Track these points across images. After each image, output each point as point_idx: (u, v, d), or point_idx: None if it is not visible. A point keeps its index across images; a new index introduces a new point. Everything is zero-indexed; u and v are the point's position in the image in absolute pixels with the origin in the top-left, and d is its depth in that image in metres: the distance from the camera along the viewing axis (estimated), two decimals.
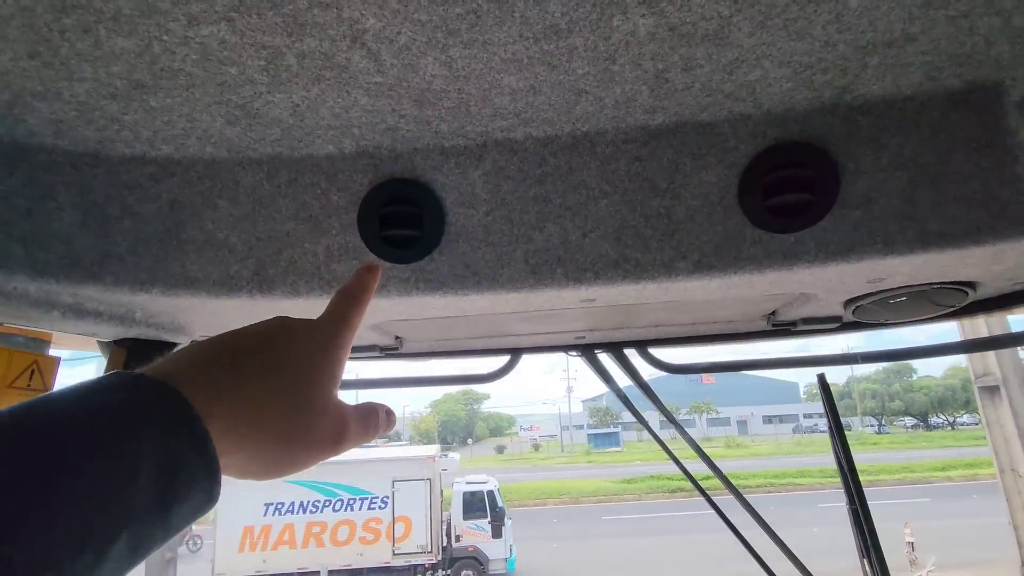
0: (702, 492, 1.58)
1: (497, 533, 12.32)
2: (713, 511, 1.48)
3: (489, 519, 12.40)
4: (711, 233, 0.81)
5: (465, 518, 12.52)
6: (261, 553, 11.54)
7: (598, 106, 0.76)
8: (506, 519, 12.54)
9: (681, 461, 1.55)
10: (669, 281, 0.83)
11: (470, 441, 56.86)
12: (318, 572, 11.69)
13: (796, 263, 0.80)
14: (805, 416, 57.62)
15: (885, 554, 1.21)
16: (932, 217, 0.76)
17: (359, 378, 1.56)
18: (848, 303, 1.06)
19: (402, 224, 0.83)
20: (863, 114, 0.77)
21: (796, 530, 15.20)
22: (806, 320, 1.20)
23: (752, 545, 1.43)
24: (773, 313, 1.22)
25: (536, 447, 53.70)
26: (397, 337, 1.28)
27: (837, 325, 1.22)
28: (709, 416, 53.91)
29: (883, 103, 0.76)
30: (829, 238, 0.78)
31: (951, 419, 47.95)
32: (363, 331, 1.15)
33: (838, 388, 55.97)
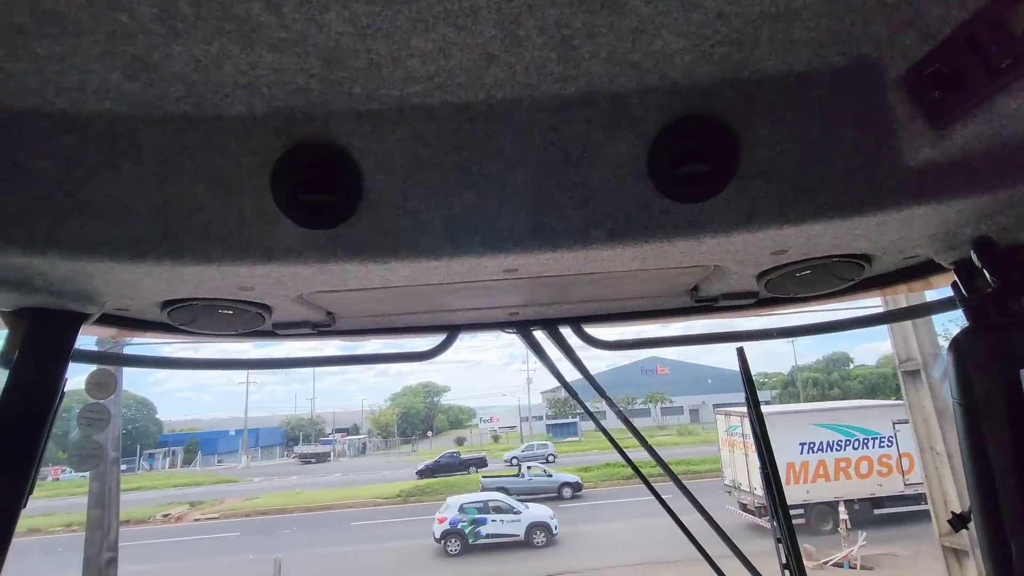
0: (641, 476, 1.61)
1: None
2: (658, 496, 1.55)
3: None
4: (623, 202, 0.84)
5: None
6: (804, 485, 14.29)
7: (509, 73, 0.77)
8: None
9: (626, 448, 1.59)
10: (585, 250, 0.86)
11: (430, 434, 56.53)
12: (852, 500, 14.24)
13: (702, 232, 0.84)
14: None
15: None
16: (822, 189, 0.81)
17: (292, 357, 1.53)
18: (760, 277, 1.11)
19: (317, 189, 0.82)
20: (760, 88, 0.81)
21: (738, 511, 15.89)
22: (726, 295, 1.26)
23: (689, 525, 1.50)
24: (695, 289, 1.27)
25: (496, 438, 53.91)
26: (329, 313, 1.26)
27: (754, 300, 1.28)
28: (663, 405, 55.50)
29: (777, 78, 0.80)
30: (731, 208, 0.82)
31: None
32: (290, 305, 1.13)
33: (783, 377, 58.56)
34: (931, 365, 5.22)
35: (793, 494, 13.65)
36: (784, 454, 13.82)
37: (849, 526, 13.31)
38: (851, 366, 53.05)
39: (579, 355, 1.52)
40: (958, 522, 0.80)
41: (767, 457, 1.22)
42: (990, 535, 0.76)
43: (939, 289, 1.25)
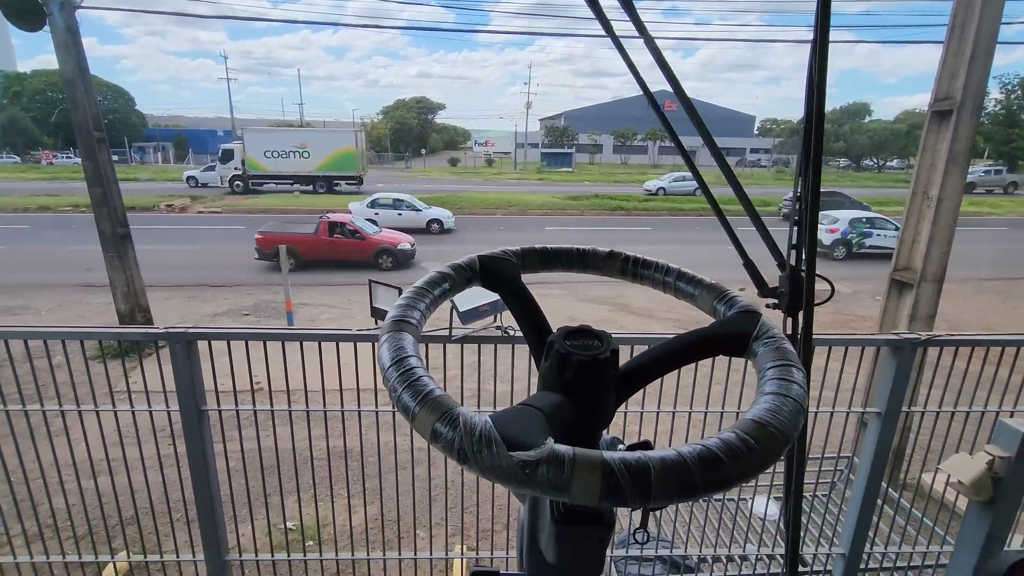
0: (715, 208, 1.27)
1: None
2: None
3: None
4: None
5: None
6: None
7: None
8: None
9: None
10: None
11: (424, 152, 56.49)
12: None
13: None
14: (751, 151, 59.66)
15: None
16: None
17: None
18: None
19: None
20: None
21: (721, 247, 17.23)
22: None
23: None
24: None
25: (489, 162, 54.32)
26: None
27: None
28: (662, 144, 54.73)
29: None
30: None
31: (881, 163, 50.99)
32: None
33: (791, 125, 56.60)
34: (967, 106, 4.77)
35: None
36: None
37: None
38: (867, 119, 50.75)
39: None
40: None
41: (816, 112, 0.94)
42: None
43: None
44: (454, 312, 1.68)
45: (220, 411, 1.82)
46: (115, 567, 3.08)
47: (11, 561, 1.91)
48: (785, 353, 0.52)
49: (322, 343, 1.73)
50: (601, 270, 0.74)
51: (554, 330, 0.57)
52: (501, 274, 0.67)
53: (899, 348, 1.86)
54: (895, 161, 50.48)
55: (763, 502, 2.48)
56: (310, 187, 27.50)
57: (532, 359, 0.61)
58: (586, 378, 0.51)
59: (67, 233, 16.81)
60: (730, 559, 2.30)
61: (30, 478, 1.82)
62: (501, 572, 0.63)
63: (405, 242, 14.60)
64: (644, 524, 0.58)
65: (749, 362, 0.56)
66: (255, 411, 1.85)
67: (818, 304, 0.81)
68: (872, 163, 51.63)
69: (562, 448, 0.38)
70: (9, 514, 1.87)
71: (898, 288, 5.27)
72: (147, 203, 22.48)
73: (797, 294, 0.79)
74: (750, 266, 0.85)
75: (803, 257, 0.81)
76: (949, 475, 1.68)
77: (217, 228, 18.83)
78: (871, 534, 2.07)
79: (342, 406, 1.87)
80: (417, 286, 0.59)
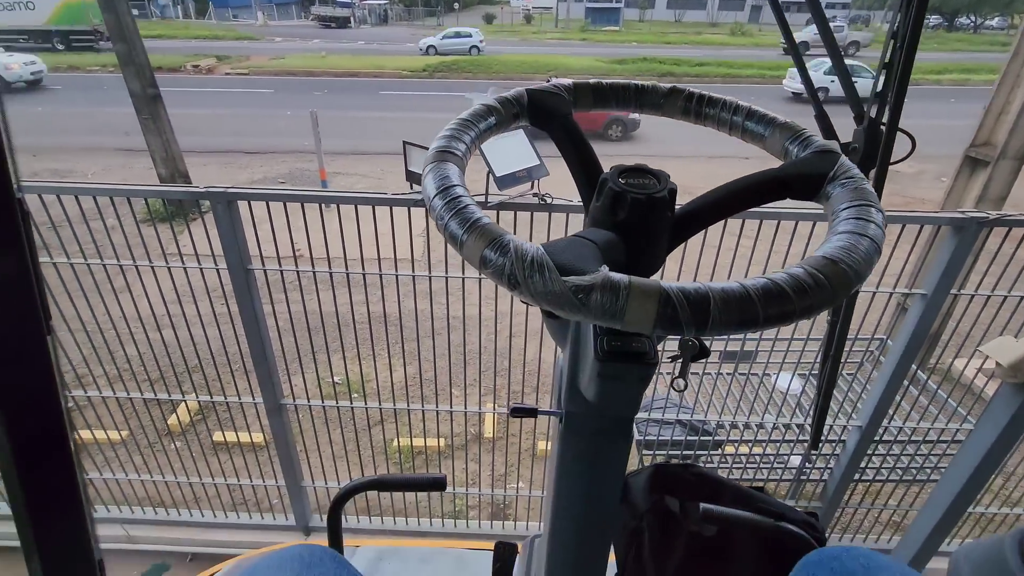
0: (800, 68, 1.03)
1: None
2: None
3: None
4: None
5: None
6: None
7: None
8: None
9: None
10: None
11: (456, 6, 51.67)
12: None
13: None
14: (826, 6, 52.18)
15: None
16: None
17: None
18: None
19: None
20: None
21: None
22: None
23: None
24: None
25: (528, 19, 49.53)
26: None
27: None
28: None
29: None
30: None
31: (979, 21, 44.13)
32: None
33: None
34: None
35: None
36: None
37: None
38: None
39: None
40: None
41: None
42: None
43: None
44: (490, 177, 1.62)
45: (265, 271, 1.90)
46: (187, 405, 3.49)
47: (99, 395, 2.17)
48: (865, 194, 0.46)
49: (358, 206, 1.72)
50: (661, 109, 0.66)
51: (606, 171, 0.52)
52: (551, 110, 0.60)
53: (961, 228, 1.74)
54: (996, 20, 43.61)
55: (787, 378, 2.55)
56: (48, 45, 23.44)
57: (581, 199, 0.57)
58: (640, 218, 0.48)
59: (100, 94, 16.69)
60: (747, 426, 2.43)
61: (103, 328, 1.99)
62: (539, 409, 0.66)
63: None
64: (684, 373, 0.58)
65: (821, 207, 0.50)
66: (298, 271, 1.92)
67: (897, 162, 0.72)
68: (968, 21, 44.72)
69: (617, 275, 0.37)
70: (90, 358, 2.08)
71: (971, 166, 4.83)
72: (174, 63, 21.81)
73: (873, 150, 0.70)
74: (822, 117, 0.75)
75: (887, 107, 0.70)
76: (987, 357, 1.65)
77: (246, 91, 18.35)
78: (891, 411, 2.13)
79: (380, 270, 1.92)
80: (461, 118, 0.54)
